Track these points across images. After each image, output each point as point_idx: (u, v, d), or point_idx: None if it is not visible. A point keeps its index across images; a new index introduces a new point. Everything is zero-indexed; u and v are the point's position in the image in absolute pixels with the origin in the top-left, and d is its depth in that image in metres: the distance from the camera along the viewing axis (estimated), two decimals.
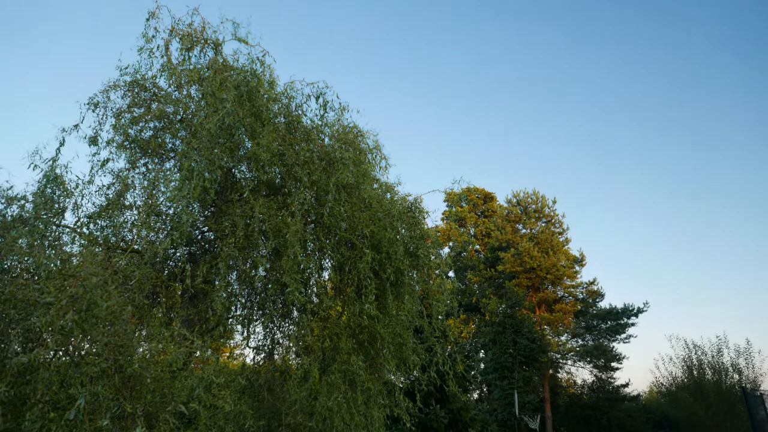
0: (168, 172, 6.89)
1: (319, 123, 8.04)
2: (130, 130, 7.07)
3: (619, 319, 24.90)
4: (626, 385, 25.07)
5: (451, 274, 29.20)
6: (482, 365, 25.91)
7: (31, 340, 4.24)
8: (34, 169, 6.28)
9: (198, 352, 5.09)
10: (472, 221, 34.50)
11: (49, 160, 6.26)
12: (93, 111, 6.97)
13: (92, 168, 6.83)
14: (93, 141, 6.92)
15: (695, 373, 22.13)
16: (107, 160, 7.02)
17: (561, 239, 27.78)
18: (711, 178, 56.83)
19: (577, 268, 27.04)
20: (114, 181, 7.01)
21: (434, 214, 18.55)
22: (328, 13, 60.89)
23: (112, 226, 6.79)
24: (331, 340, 6.84)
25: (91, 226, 6.71)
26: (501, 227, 28.92)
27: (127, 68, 7.29)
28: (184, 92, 7.41)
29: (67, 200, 6.37)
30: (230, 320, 7.70)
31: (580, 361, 25.47)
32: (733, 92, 56.43)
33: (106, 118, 7.03)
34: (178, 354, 4.56)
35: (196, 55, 7.55)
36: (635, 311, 24.79)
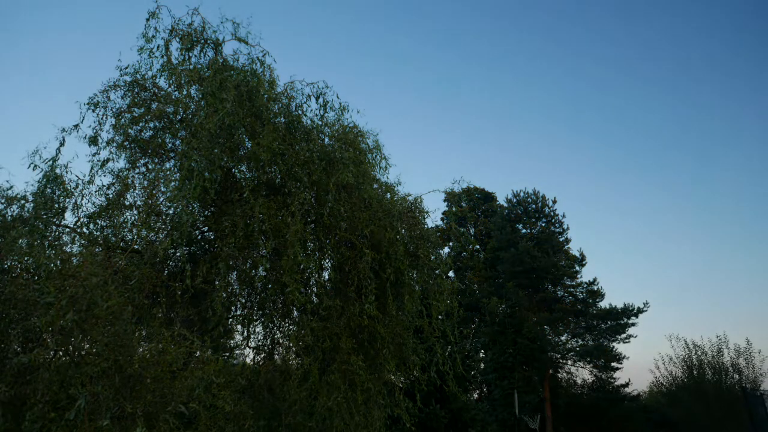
0: (168, 172, 6.89)
1: (319, 123, 8.04)
2: (130, 130, 7.07)
3: (619, 319, 24.85)
4: (626, 385, 25.03)
5: (451, 274, 29.18)
6: (482, 365, 25.88)
7: (31, 340, 4.24)
8: (34, 169, 6.29)
9: (198, 352, 5.09)
10: (472, 221, 34.49)
11: (49, 160, 6.27)
12: (93, 111, 6.98)
13: (92, 168, 6.83)
14: (93, 141, 6.92)
15: (695, 373, 22.10)
16: (107, 160, 7.03)
17: (561, 239, 27.76)
18: (711, 178, 56.88)
19: (577, 268, 27.02)
20: (114, 181, 7.01)
21: (434, 214, 18.55)
22: (328, 14, 60.86)
23: (112, 226, 6.78)
24: (331, 340, 6.83)
25: (91, 226, 6.71)
26: (501, 227, 28.90)
27: (127, 68, 7.30)
28: (184, 92, 7.40)
29: (67, 200, 6.38)
30: (230, 320, 7.70)
31: (580, 361, 25.45)
32: (735, 93, 56.46)
33: (106, 118, 7.04)
34: (178, 354, 4.56)
35: (196, 55, 7.55)
36: (635, 311, 24.75)
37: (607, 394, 24.25)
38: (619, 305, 25.12)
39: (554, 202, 29.12)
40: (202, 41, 7.56)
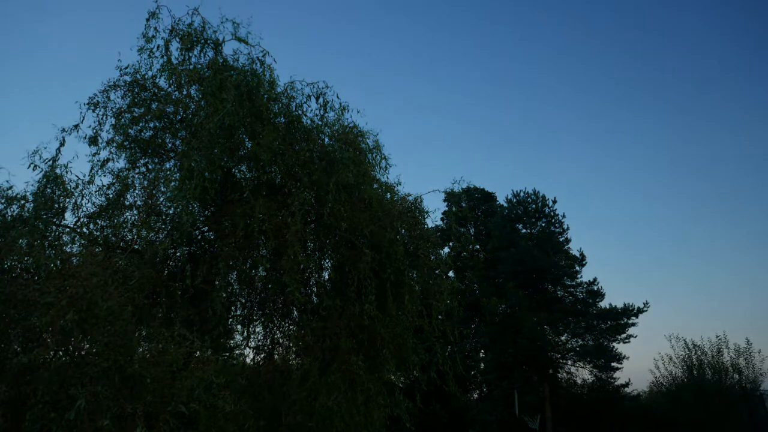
0: (168, 172, 6.89)
1: (319, 123, 8.03)
2: (130, 130, 7.07)
3: (619, 319, 24.82)
4: (626, 385, 25.01)
5: (451, 274, 29.13)
6: (482, 365, 25.86)
7: (31, 340, 4.24)
8: (34, 169, 6.29)
9: (198, 352, 5.09)
10: (472, 221, 34.47)
11: (49, 160, 6.27)
12: (93, 111, 6.98)
13: (92, 168, 6.84)
14: (93, 141, 6.93)
15: (695, 373, 22.08)
16: (107, 160, 7.03)
17: (561, 239, 27.72)
18: (711, 178, 56.89)
19: (577, 268, 26.97)
20: (114, 181, 7.01)
21: (434, 214, 18.51)
22: (328, 13, 60.90)
23: (112, 226, 6.78)
24: (331, 340, 6.83)
25: (91, 226, 6.71)
26: (501, 227, 28.87)
27: (127, 68, 7.30)
28: (184, 92, 7.40)
29: (67, 200, 6.38)
30: (230, 320, 7.69)
31: (580, 361, 25.44)
32: (733, 90, 56.47)
33: (106, 118, 7.04)
34: (178, 354, 4.56)
35: (196, 55, 7.54)
36: (635, 311, 24.72)
37: (607, 394, 24.23)
38: (619, 305, 25.11)
39: (554, 202, 29.09)
40: (202, 41, 7.55)
